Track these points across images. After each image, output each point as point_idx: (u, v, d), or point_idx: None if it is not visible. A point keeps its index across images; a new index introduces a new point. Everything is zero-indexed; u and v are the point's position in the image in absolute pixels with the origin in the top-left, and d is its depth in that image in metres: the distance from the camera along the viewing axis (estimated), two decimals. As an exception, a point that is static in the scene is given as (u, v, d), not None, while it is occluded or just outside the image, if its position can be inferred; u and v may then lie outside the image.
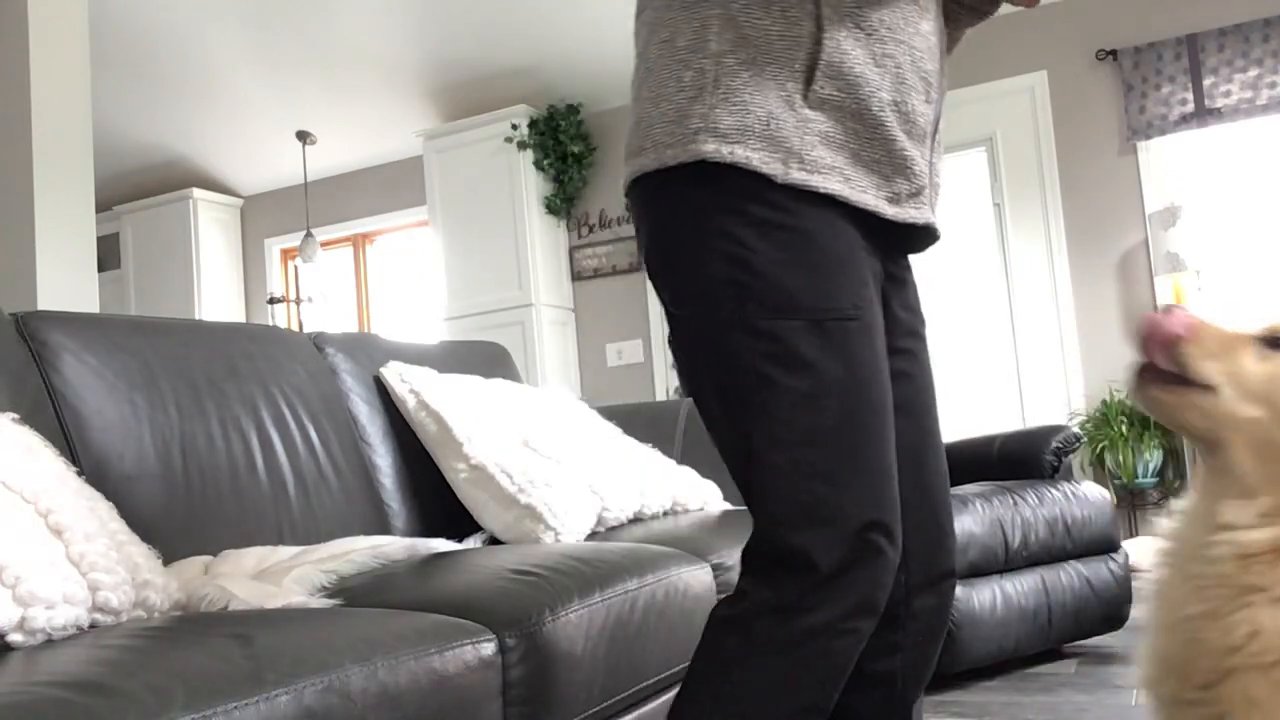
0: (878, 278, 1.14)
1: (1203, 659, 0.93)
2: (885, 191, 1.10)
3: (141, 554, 1.21)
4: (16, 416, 1.25)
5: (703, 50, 1.07)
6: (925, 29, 1.12)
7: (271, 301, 6.64)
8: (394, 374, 2.22)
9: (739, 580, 1.04)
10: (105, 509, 1.23)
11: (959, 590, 2.55)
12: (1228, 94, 4.60)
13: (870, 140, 1.08)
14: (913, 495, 1.14)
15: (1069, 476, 3.03)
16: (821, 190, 1.05)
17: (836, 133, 1.06)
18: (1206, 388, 1.00)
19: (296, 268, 6.93)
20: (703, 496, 2.51)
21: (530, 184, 5.65)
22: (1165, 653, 0.98)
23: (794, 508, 1.01)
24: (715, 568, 1.84)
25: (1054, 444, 3.04)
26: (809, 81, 1.05)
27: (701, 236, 1.06)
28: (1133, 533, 4.67)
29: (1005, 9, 1.27)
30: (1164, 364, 1.01)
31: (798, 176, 1.04)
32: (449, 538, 1.90)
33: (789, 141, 1.04)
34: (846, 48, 1.05)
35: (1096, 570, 2.82)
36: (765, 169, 1.03)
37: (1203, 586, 0.94)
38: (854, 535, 1.00)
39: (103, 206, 6.00)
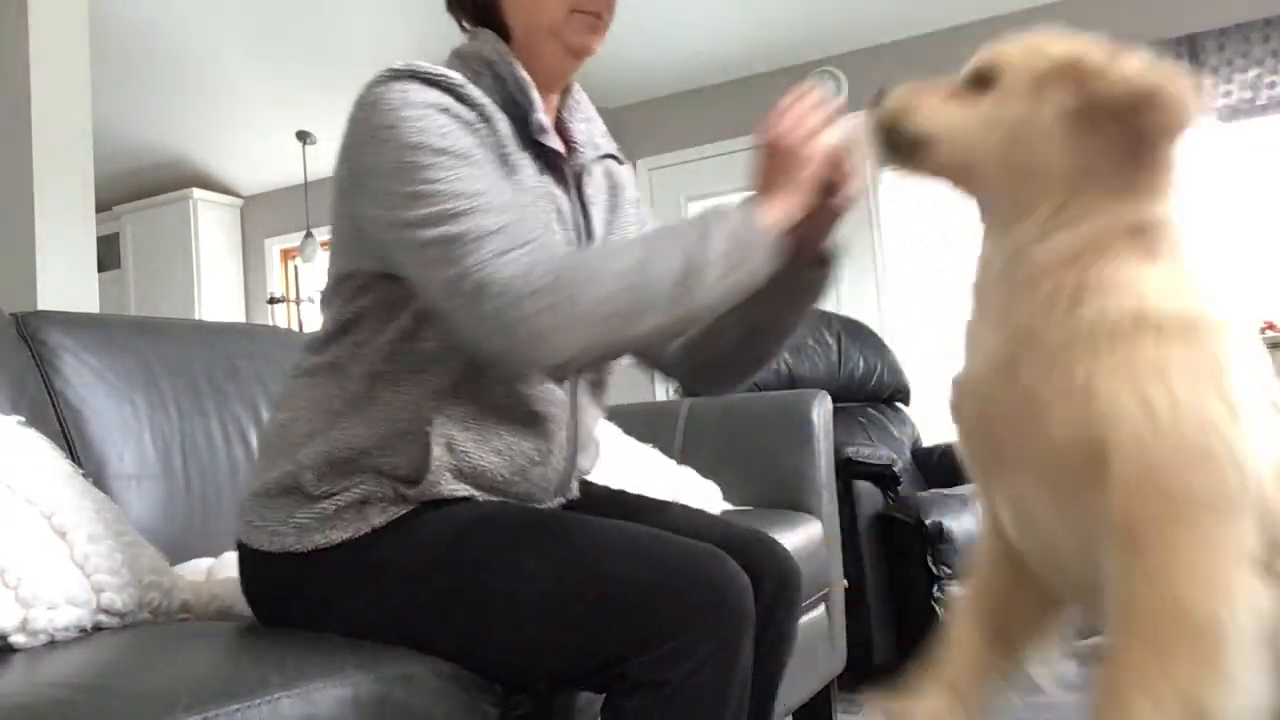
0: None
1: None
2: None
3: (148, 556, 1.21)
4: (23, 419, 1.25)
5: None
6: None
7: (271, 301, 6.63)
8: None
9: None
10: (113, 511, 1.23)
11: (958, 589, 2.54)
12: (1228, 94, 4.60)
13: None
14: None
15: (1069, 476, 3.03)
16: None
17: None
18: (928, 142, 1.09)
19: (296, 268, 6.93)
20: (703, 495, 2.51)
21: (530, 183, 5.65)
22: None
23: None
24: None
25: (1054, 444, 3.04)
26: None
27: None
28: (1133, 532, 4.67)
29: None
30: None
31: None
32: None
33: None
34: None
35: (1097, 570, 2.81)
36: None
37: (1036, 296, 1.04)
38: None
39: (103, 206, 5.99)
